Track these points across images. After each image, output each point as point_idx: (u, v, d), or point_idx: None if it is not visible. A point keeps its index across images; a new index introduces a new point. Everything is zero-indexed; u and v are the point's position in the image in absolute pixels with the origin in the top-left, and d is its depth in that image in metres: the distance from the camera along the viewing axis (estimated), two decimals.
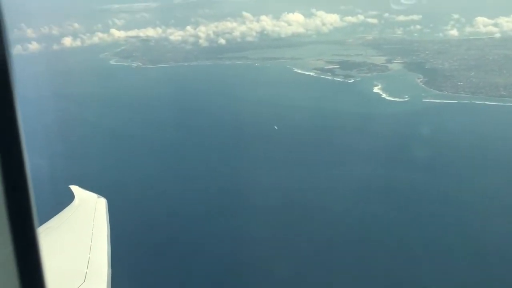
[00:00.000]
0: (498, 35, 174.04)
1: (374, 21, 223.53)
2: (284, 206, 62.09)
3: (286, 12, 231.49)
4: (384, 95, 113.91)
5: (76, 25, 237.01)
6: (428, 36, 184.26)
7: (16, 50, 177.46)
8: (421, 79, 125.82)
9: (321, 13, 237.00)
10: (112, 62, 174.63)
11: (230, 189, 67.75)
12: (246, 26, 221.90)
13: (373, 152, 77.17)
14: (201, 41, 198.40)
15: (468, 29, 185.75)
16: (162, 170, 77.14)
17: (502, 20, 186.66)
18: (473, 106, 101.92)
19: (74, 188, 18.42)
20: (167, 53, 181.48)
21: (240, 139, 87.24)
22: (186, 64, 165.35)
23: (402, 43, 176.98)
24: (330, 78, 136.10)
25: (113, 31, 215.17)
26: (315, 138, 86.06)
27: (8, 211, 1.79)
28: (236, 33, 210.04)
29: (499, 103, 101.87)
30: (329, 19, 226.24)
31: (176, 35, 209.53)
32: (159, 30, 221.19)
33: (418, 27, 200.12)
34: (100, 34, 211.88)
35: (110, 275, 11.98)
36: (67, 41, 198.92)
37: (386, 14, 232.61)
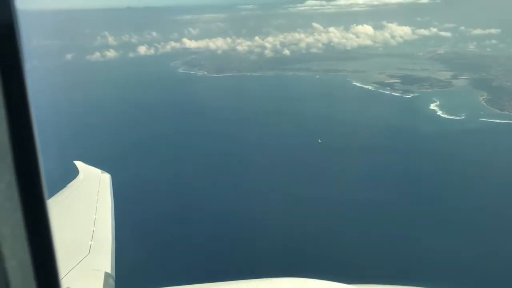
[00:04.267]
0: None
1: (447, 34, 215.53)
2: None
3: (355, 24, 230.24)
4: (439, 112, 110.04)
5: (154, 33, 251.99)
6: (502, 51, 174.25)
7: (94, 57, 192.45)
8: (484, 97, 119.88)
9: (392, 25, 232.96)
10: (180, 70, 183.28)
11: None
12: (314, 38, 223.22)
13: (404, 170, 75.88)
14: (266, 51, 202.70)
15: None
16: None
17: None
18: None
19: (79, 164, 18.81)
20: (233, 63, 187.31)
21: (279, 150, 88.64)
22: (248, 74, 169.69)
23: (474, 58, 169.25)
24: (387, 92, 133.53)
25: (185, 40, 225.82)
26: (355, 153, 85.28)
27: (18, 180, 1.85)
28: (302, 44, 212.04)
29: None
30: (399, 32, 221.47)
31: (243, 45, 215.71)
32: (229, 40, 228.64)
33: (494, 41, 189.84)
34: (173, 43, 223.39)
35: (114, 247, 12.13)
36: (142, 49, 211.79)
37: (462, 27, 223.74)
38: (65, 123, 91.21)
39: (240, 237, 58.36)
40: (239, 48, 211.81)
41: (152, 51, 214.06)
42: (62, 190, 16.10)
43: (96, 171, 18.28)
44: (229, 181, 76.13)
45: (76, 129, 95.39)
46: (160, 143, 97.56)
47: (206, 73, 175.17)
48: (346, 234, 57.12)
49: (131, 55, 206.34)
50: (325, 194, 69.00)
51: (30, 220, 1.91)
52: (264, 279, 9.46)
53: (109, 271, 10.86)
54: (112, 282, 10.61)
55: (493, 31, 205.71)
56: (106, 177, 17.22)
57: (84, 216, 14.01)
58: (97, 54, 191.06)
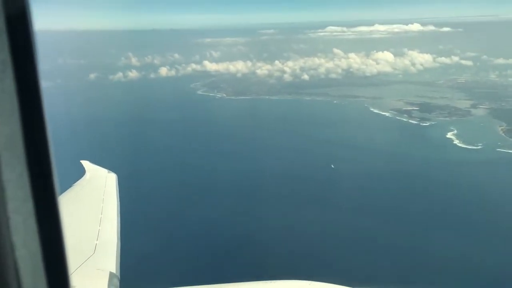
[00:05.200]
0: None
1: (469, 63, 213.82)
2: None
3: (375, 51, 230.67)
4: (456, 141, 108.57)
5: (176, 55, 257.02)
6: None
7: (117, 77, 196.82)
8: (503, 127, 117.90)
9: (413, 52, 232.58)
10: (199, 92, 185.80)
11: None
12: (333, 63, 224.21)
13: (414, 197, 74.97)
14: (285, 75, 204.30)
15: None
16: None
17: None
18: None
19: (85, 163, 18.70)
20: (252, 86, 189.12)
21: (289, 173, 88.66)
22: (266, 97, 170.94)
23: (495, 87, 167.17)
24: (405, 120, 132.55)
25: (206, 63, 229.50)
26: (365, 180, 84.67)
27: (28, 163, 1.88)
28: (322, 70, 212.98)
29: None
30: (420, 59, 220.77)
31: (263, 68, 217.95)
32: (249, 63, 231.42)
33: None
34: (193, 65, 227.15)
35: (119, 247, 12.07)
36: (164, 70, 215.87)
37: (484, 56, 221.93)
38: (82, 135, 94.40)
39: (245, 239, 59.02)
40: (258, 71, 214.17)
41: (173, 72, 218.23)
42: (69, 189, 16.12)
43: (103, 170, 18.17)
44: (235, 195, 77.21)
45: (92, 142, 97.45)
46: (171, 158, 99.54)
47: (225, 95, 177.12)
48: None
49: (152, 75, 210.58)
50: (333, 221, 68.57)
51: (42, 210, 1.95)
52: (268, 281, 9.40)
53: (114, 271, 10.81)
54: (117, 282, 10.56)
55: None
56: (112, 177, 17.15)
57: (90, 215, 13.97)
58: (120, 74, 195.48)
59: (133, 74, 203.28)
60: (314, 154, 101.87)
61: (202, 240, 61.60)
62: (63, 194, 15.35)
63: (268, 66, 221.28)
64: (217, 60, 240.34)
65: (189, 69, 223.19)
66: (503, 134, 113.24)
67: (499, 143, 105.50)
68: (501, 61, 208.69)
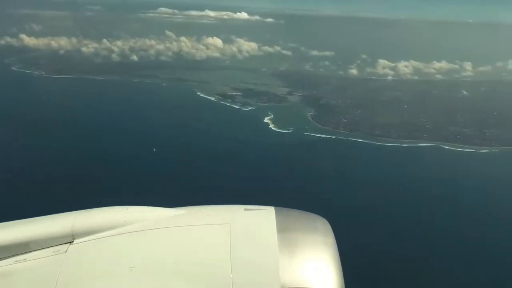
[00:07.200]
0: (390, 77, 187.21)
1: (289, 53, 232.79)
2: None
3: (205, 36, 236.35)
4: (271, 125, 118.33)
5: None
6: (333, 72, 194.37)
7: None
8: (311, 113, 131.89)
9: (241, 40, 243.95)
10: (14, 68, 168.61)
11: None
12: (165, 45, 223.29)
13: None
14: (114, 55, 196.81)
15: (369, 69, 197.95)
16: None
17: (401, 64, 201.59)
18: (346, 142, 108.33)
19: None
20: (76, 65, 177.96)
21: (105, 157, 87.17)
22: (91, 77, 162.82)
23: (309, 77, 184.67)
24: (228, 104, 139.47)
25: (23, 36, 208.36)
26: (185, 160, 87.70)
27: None
28: (152, 51, 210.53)
29: (370, 141, 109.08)
30: (246, 47, 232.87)
31: (90, 46, 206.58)
32: (74, 40, 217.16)
33: (327, 63, 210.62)
34: (8, 38, 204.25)
35: None
36: None
37: (302, 48, 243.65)
38: None
39: None
40: (84, 49, 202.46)
41: None
42: None
43: None
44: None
45: None
46: None
47: (43, 73, 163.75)
48: None
49: None
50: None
51: None
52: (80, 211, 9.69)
53: None
54: None
55: (327, 53, 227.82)
56: None
57: None
58: None
59: None
60: (136, 136, 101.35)
61: None
62: None
63: (95, 45, 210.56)
64: (37, 35, 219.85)
65: (1, 42, 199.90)
66: (311, 119, 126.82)
67: (307, 127, 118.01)
68: (315, 53, 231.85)
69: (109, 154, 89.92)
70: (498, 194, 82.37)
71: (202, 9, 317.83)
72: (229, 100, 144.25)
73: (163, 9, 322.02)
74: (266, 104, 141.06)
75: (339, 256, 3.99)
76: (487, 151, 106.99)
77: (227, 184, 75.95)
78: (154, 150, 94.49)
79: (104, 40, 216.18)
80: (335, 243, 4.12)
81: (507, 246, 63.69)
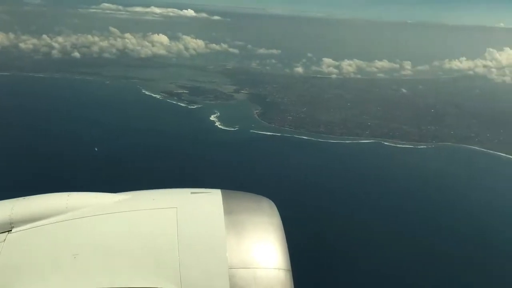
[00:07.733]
0: (334, 76, 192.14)
1: (236, 51, 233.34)
2: None
3: (151, 33, 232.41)
4: (217, 123, 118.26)
5: None
6: (279, 70, 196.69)
7: None
8: (258, 111, 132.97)
9: (187, 37, 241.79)
10: None
11: None
12: (108, 42, 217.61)
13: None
14: (54, 52, 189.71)
15: (314, 68, 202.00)
16: None
17: (345, 63, 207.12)
18: (291, 139, 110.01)
19: None
20: (13, 61, 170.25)
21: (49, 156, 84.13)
22: (30, 74, 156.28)
23: (255, 75, 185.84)
24: (174, 102, 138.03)
25: None
26: (128, 161, 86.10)
27: None
28: (95, 48, 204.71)
29: (314, 139, 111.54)
30: (193, 44, 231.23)
31: (28, 42, 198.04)
32: (12, 35, 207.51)
33: (274, 61, 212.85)
34: None
35: None
36: None
37: (249, 46, 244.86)
38: None
39: None
40: (22, 45, 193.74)
41: None
42: None
43: None
44: None
45: None
46: None
47: None
48: None
49: None
50: None
51: None
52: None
53: None
54: None
55: (274, 51, 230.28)
56: None
57: None
58: None
59: None
60: (78, 136, 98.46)
61: None
62: None
63: (34, 40, 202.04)
64: None
65: None
66: (257, 117, 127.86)
67: (253, 125, 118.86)
68: (262, 51, 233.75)
69: (48, 154, 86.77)
70: (434, 186, 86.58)
71: (147, 5, 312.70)
72: (175, 98, 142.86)
73: (107, 4, 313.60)
74: (212, 102, 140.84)
75: (285, 237, 4.13)
76: (424, 147, 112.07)
77: (167, 182, 75.19)
78: (96, 149, 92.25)
79: (44, 36, 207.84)
80: (281, 223, 4.24)
81: (439, 235, 67.31)
